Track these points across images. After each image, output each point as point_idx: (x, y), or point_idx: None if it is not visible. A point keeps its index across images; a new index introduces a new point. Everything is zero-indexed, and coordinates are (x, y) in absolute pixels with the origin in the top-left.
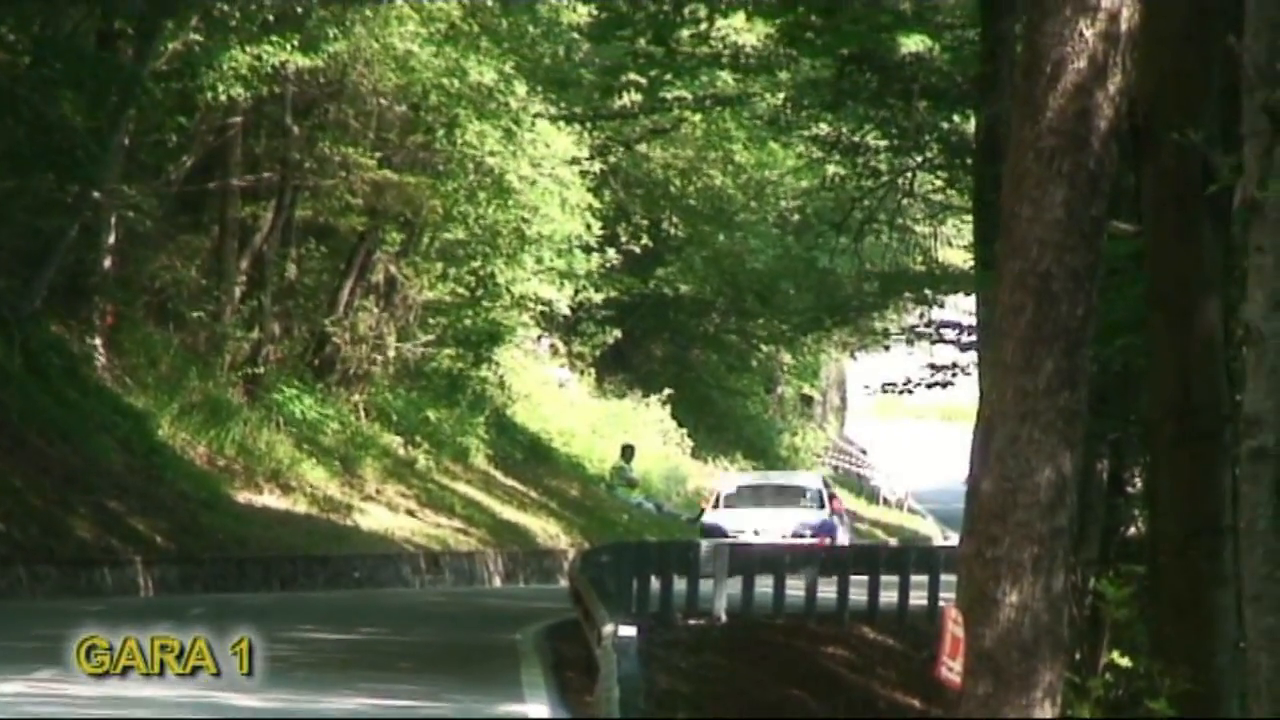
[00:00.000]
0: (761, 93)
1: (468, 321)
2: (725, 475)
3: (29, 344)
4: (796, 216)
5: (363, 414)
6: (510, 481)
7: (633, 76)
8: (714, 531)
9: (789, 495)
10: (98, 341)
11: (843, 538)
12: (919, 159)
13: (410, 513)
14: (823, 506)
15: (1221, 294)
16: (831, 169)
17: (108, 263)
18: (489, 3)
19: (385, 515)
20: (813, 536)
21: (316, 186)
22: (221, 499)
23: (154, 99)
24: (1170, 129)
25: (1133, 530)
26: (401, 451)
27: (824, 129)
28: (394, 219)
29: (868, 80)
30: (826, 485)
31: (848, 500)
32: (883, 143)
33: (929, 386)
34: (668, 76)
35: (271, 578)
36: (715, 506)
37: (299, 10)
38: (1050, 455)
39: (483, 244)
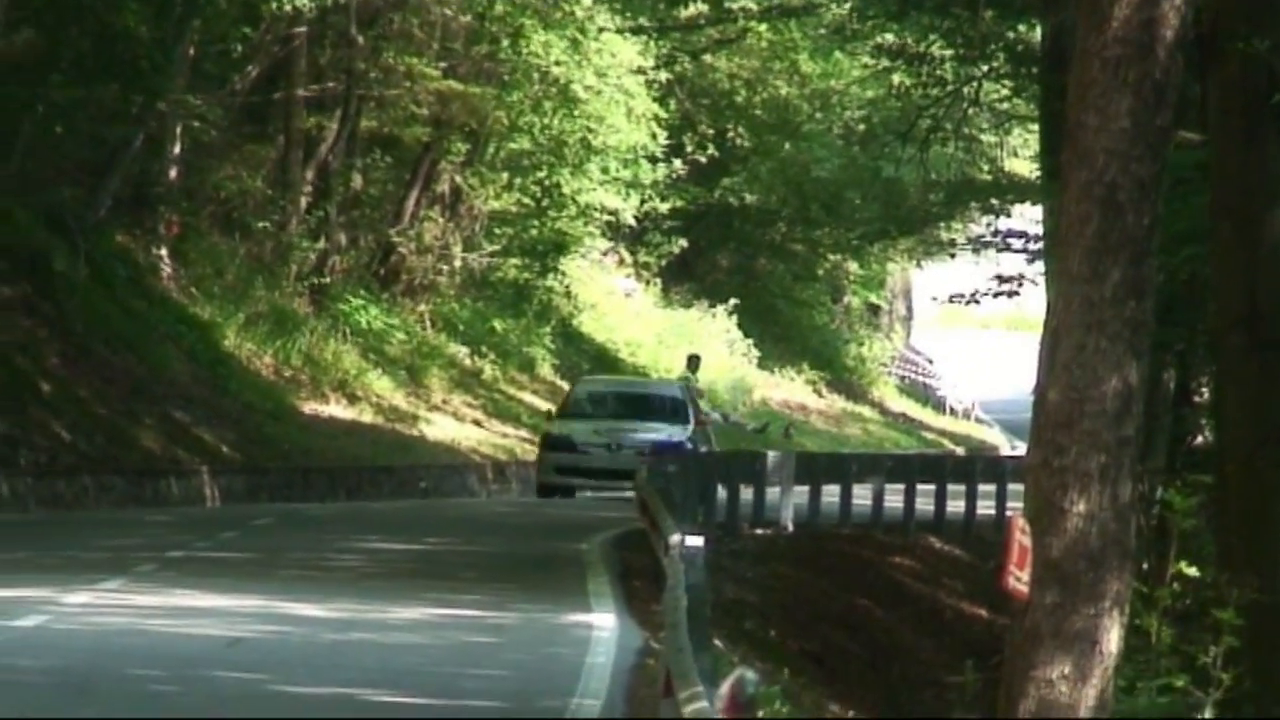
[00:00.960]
0: (827, 2)
1: (533, 232)
2: (580, 380)
3: (94, 254)
4: (862, 126)
5: (428, 324)
6: None
7: None
8: (559, 444)
9: (645, 407)
10: (163, 251)
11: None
12: (985, 68)
13: (476, 423)
14: (685, 422)
15: None
16: (897, 78)
17: (173, 173)
18: None
19: (451, 425)
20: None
21: (381, 97)
22: (287, 409)
23: (219, 9)
24: (1236, 38)
25: (1199, 440)
26: (467, 362)
27: (889, 38)
28: (459, 129)
29: None
30: (690, 396)
31: (914, 410)
32: (948, 52)
33: (995, 296)
34: None
35: (337, 488)
36: (561, 415)
37: None
38: (1117, 365)
39: (548, 154)
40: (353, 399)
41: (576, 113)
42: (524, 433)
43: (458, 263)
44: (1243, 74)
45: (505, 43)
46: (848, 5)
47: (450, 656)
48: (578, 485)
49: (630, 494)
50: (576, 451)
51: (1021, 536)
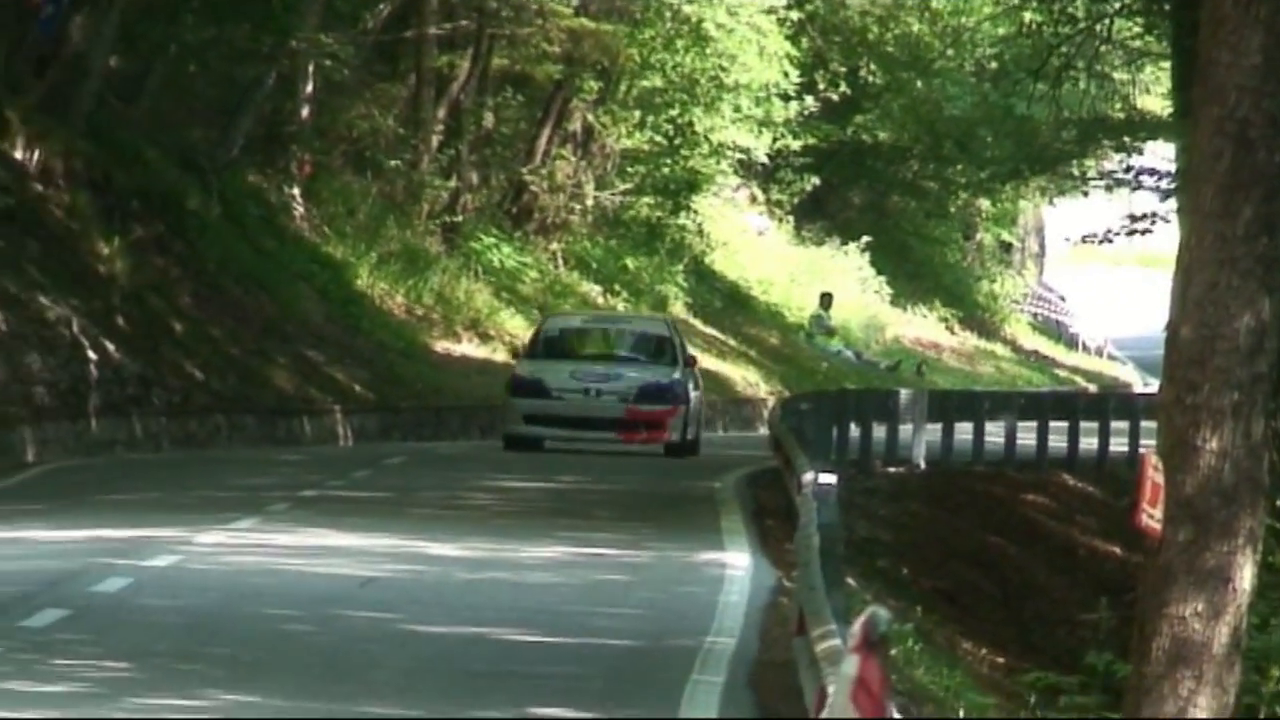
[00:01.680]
0: None
1: (666, 170)
2: (549, 315)
3: (227, 194)
4: (994, 64)
5: (561, 262)
6: (709, 330)
7: None
8: (528, 389)
9: (627, 345)
10: (295, 191)
11: (694, 405)
12: (1117, 5)
13: None
14: (674, 364)
15: None
16: (1029, 16)
17: (305, 112)
18: None
19: None
20: (656, 403)
21: (513, 35)
22: (419, 348)
23: None
24: None
25: None
26: (600, 300)
27: None
28: (591, 67)
29: None
30: (677, 333)
31: (1046, 347)
32: None
33: (1129, 235)
34: None
35: (470, 426)
36: (530, 355)
37: None
38: (1249, 301)
39: (680, 92)
40: (485, 338)
41: (708, 50)
42: None
43: (590, 201)
44: None
45: None
46: None
47: (583, 595)
48: (549, 437)
49: (609, 445)
50: (549, 397)
51: (1154, 474)
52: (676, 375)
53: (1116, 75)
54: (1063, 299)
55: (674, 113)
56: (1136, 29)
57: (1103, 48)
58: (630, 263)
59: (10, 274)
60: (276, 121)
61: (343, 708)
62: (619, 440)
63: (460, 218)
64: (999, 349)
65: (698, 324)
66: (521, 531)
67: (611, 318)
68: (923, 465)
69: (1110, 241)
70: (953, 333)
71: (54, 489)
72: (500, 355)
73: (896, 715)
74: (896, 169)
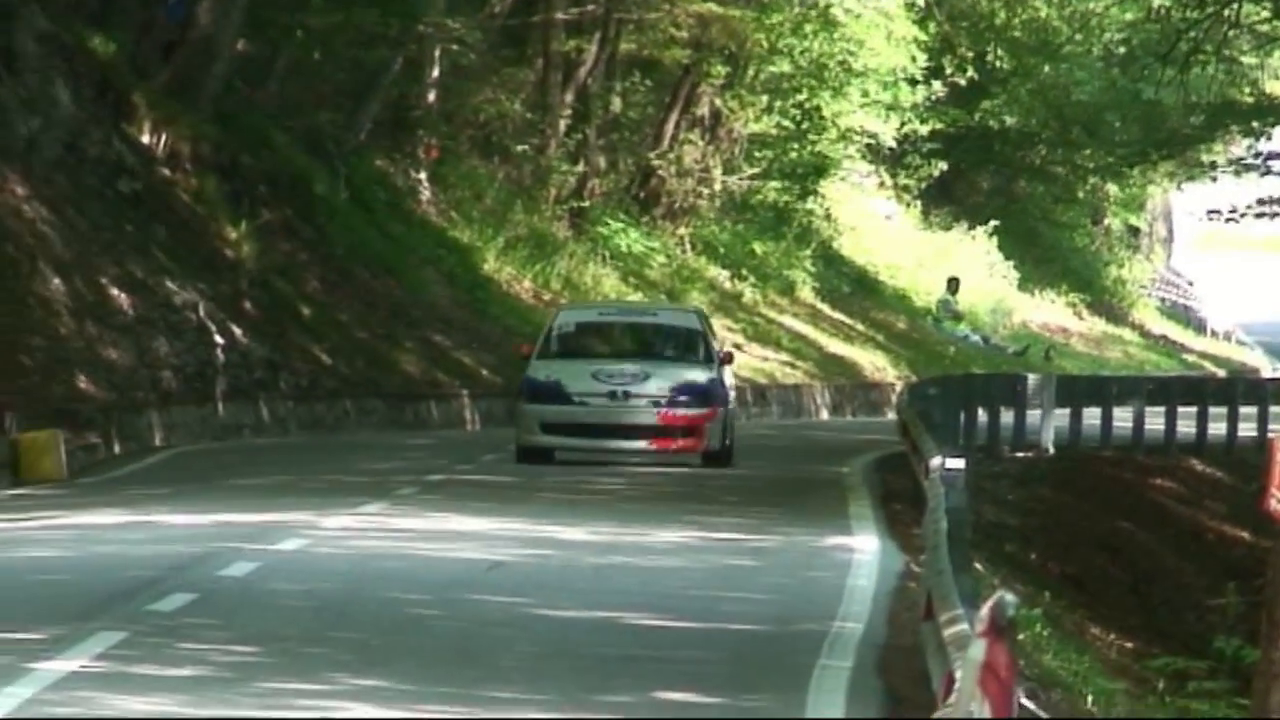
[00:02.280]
0: None
1: (793, 154)
2: (563, 307)
3: (354, 178)
4: (1121, 49)
5: (688, 247)
6: (836, 314)
7: None
8: (545, 393)
9: (654, 341)
10: (422, 175)
11: (731, 408)
12: None
13: (737, 346)
14: (709, 361)
15: None
16: (1157, 1)
17: (431, 96)
18: None
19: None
20: (692, 406)
21: (640, 20)
22: None
23: None
24: None
25: None
26: (728, 285)
27: None
28: (718, 52)
29: None
30: (708, 326)
31: (1175, 332)
32: None
33: (1256, 217)
34: None
35: None
36: (543, 354)
37: None
38: None
39: (808, 77)
40: None
41: (836, 35)
42: (783, 356)
43: (717, 186)
44: None
45: None
46: None
47: (711, 579)
48: (572, 447)
49: (640, 455)
50: (570, 402)
51: None
52: (712, 374)
53: (1245, 60)
54: (1190, 284)
55: (801, 97)
56: (1265, 13)
57: (1231, 32)
58: (758, 248)
59: (138, 258)
60: (403, 106)
61: (470, 692)
62: (651, 449)
63: (587, 202)
64: (1127, 334)
65: (825, 308)
66: (648, 516)
67: (633, 309)
68: (1051, 450)
69: (1237, 221)
70: (1080, 317)
71: (181, 473)
72: None
73: (1024, 701)
74: (1024, 154)
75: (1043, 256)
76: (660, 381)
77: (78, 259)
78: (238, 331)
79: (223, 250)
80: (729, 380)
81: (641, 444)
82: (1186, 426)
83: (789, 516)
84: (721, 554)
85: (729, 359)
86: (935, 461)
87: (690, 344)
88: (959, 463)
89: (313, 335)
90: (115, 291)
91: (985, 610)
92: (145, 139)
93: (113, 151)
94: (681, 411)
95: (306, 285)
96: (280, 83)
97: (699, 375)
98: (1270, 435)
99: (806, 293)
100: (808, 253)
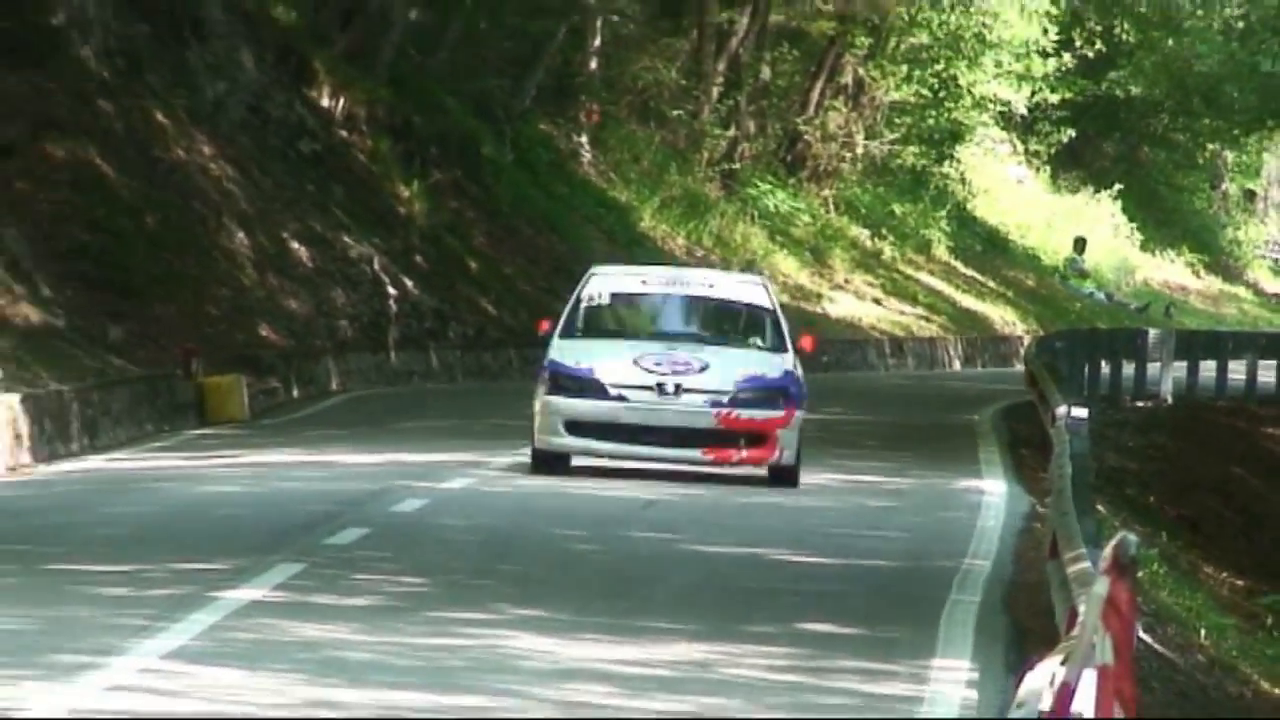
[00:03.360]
0: None
1: (931, 121)
2: (595, 271)
3: (519, 140)
4: (1240, 23)
5: (832, 208)
6: (969, 271)
7: None
8: (573, 383)
9: (717, 319)
10: (583, 138)
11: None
12: None
13: (876, 301)
14: (781, 345)
15: None
16: None
17: (593, 64)
18: None
19: (852, 303)
20: (762, 407)
21: None
22: None
23: None
24: None
25: None
26: (868, 243)
27: None
28: (862, 24)
29: None
30: (774, 300)
31: None
32: None
33: None
34: None
35: None
36: (569, 332)
37: None
38: None
39: (945, 48)
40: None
41: (973, 8)
42: (919, 310)
43: (859, 150)
44: None
45: None
46: None
47: (850, 519)
48: (605, 453)
49: (696, 466)
50: (605, 396)
51: None
52: (788, 364)
53: None
54: None
55: (939, 67)
56: None
57: None
58: (896, 208)
59: (317, 215)
60: (566, 73)
61: (623, 622)
62: (706, 460)
63: (738, 165)
64: (1242, 292)
65: (959, 266)
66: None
67: (684, 277)
68: (1169, 400)
69: None
70: (1199, 276)
71: (356, 416)
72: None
73: (1142, 634)
74: (1148, 122)
75: (1164, 219)
76: (722, 372)
77: (260, 215)
78: (409, 284)
79: (396, 208)
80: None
81: (694, 453)
82: None
83: (923, 460)
84: (860, 495)
85: (809, 343)
86: (1061, 410)
87: (758, 323)
88: (1083, 411)
89: (479, 288)
90: (295, 245)
91: (1108, 549)
92: (324, 102)
93: (294, 114)
94: (748, 413)
95: (474, 240)
96: (450, 50)
97: (771, 365)
98: None
99: (941, 251)
100: (943, 214)
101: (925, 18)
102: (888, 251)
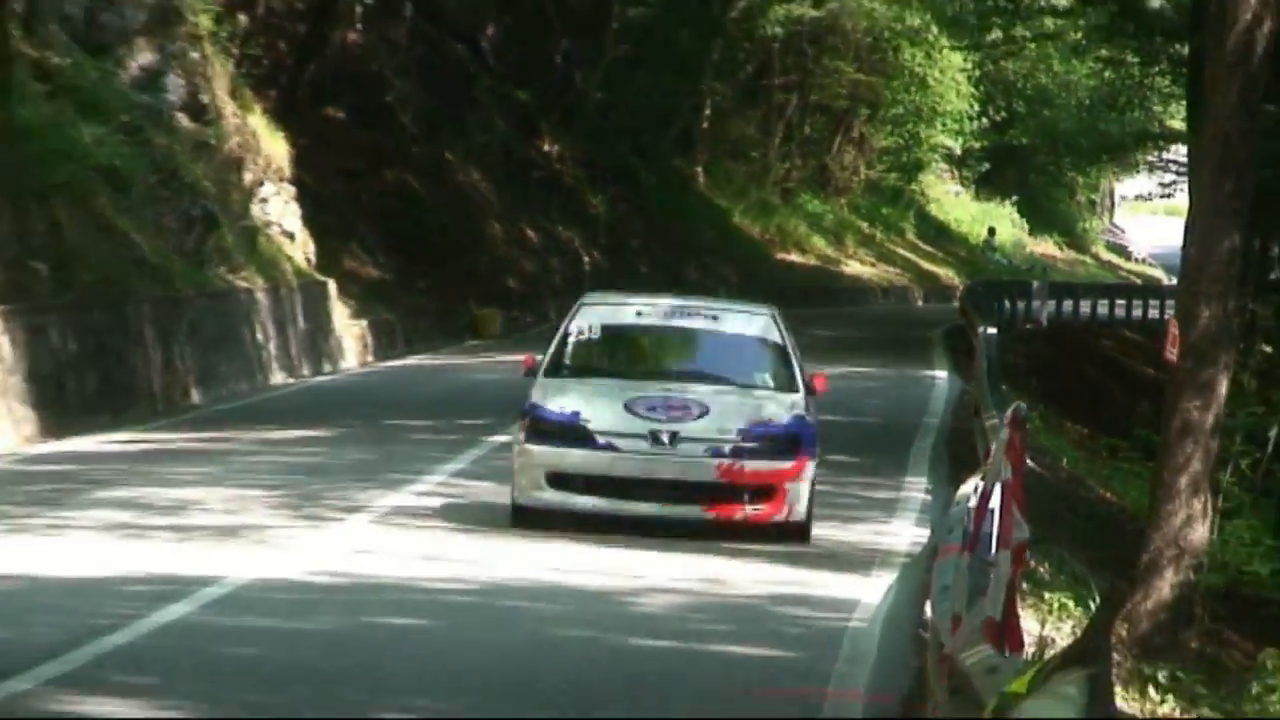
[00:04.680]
0: None
1: (904, 158)
2: (585, 301)
3: (661, 170)
4: (1088, 100)
5: (845, 210)
6: (927, 248)
7: None
8: (557, 430)
9: (717, 355)
10: (699, 169)
11: (810, 452)
12: (1154, 70)
13: (871, 264)
14: (792, 384)
15: None
16: (1108, 73)
17: (705, 124)
18: None
19: (858, 266)
20: (769, 456)
21: (821, 82)
22: (767, 258)
23: None
24: None
25: None
26: (866, 230)
27: None
28: (863, 100)
29: None
30: (785, 335)
31: (1114, 259)
32: None
33: (1160, 197)
34: None
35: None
36: (554, 370)
37: None
38: (1227, 234)
39: (913, 115)
40: (802, 250)
41: (929, 92)
42: (896, 269)
43: (862, 176)
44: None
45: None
46: None
47: (850, 396)
48: (590, 510)
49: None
50: (592, 445)
51: (1174, 330)
52: (798, 408)
53: (1156, 107)
54: (1123, 231)
55: (909, 126)
56: (1167, 85)
57: (1148, 91)
58: (883, 210)
59: (542, 215)
60: (689, 128)
61: None
62: (707, 518)
63: (790, 185)
64: (1088, 259)
65: (920, 243)
66: (821, 359)
67: (685, 308)
68: (1045, 324)
69: (1149, 199)
70: (1061, 250)
71: None
72: (812, 260)
73: (1029, 462)
74: (1033, 159)
75: (1042, 216)
76: (724, 417)
77: (509, 214)
78: (595, 255)
79: (588, 211)
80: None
81: (693, 510)
82: (1120, 312)
83: (898, 359)
84: (855, 380)
85: (817, 384)
86: (981, 330)
87: (767, 360)
88: (993, 330)
89: (640, 258)
90: (529, 232)
91: (1009, 412)
92: (546, 148)
93: (529, 154)
94: (753, 465)
95: (634, 231)
96: (620, 114)
97: (781, 408)
98: (1167, 317)
99: (911, 235)
100: (911, 214)
101: (900, 98)
102: (879, 235)
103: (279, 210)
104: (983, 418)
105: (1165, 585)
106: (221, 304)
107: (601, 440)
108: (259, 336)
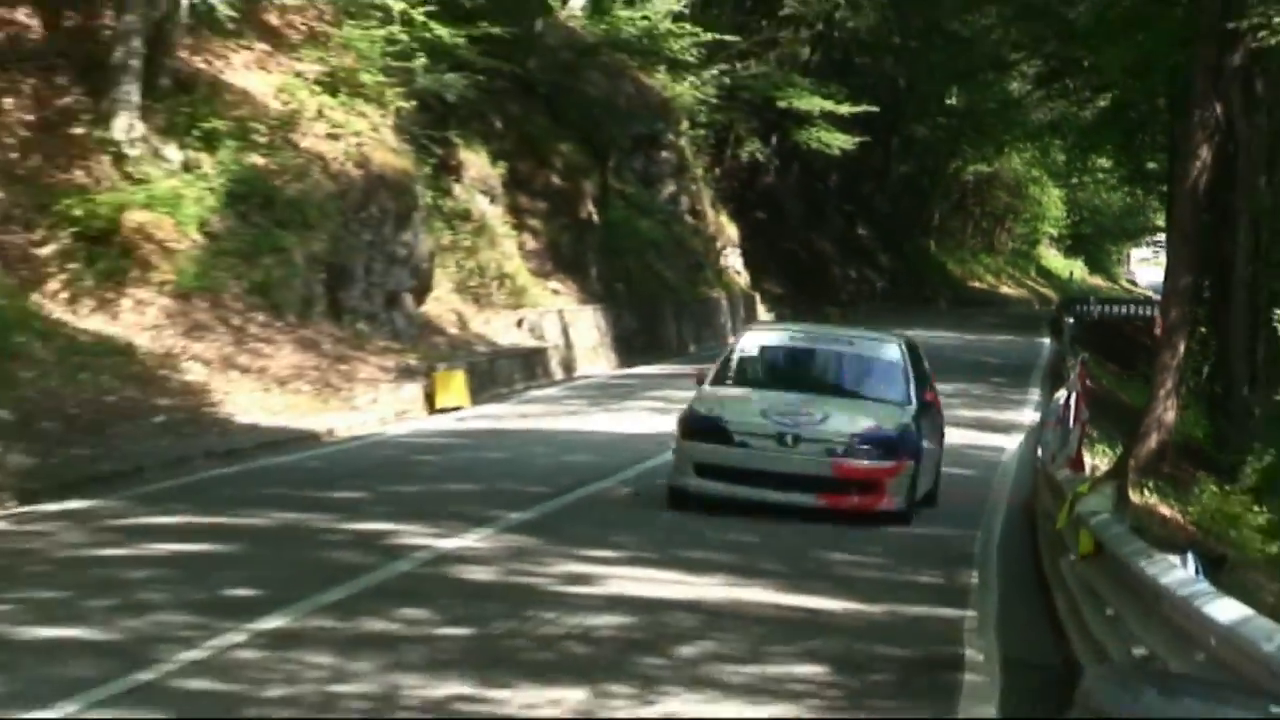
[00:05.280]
0: None
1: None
2: (750, 328)
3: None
4: (1063, 158)
5: (1001, 261)
6: (1040, 280)
7: None
8: (704, 429)
9: (846, 374)
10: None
11: (929, 458)
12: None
13: (1012, 288)
14: (906, 400)
15: None
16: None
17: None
18: None
19: (1006, 289)
20: (875, 457)
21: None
22: (963, 285)
23: None
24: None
25: None
26: (1010, 271)
27: None
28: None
29: None
30: (914, 358)
31: (1135, 286)
32: None
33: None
34: None
35: (981, 304)
36: (718, 379)
37: None
38: (1190, 269)
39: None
40: (980, 281)
41: None
42: (1022, 290)
43: (1009, 245)
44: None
45: None
46: None
47: (979, 349)
48: (726, 496)
49: (813, 504)
50: (729, 443)
51: (1159, 320)
52: (907, 419)
53: (1153, 213)
54: (1135, 273)
55: (1033, 223)
56: (1156, 204)
57: (1149, 207)
58: (1019, 261)
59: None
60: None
61: None
62: (820, 505)
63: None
64: (1117, 287)
65: (1038, 279)
66: (975, 331)
67: (828, 335)
68: (1096, 317)
69: (1149, 260)
70: (1104, 281)
71: None
72: None
73: (1088, 383)
74: (1095, 239)
75: (1096, 265)
76: (840, 423)
77: (839, 261)
78: (879, 284)
79: (878, 264)
80: (933, 424)
81: (808, 498)
82: (1133, 312)
83: (1024, 332)
84: (1005, 342)
85: (933, 398)
86: (1065, 320)
87: (887, 379)
88: (1071, 320)
89: (904, 287)
90: (851, 272)
91: (1079, 359)
92: (859, 231)
93: (853, 235)
94: (861, 463)
95: (901, 273)
96: (890, 218)
97: (889, 419)
98: (1156, 314)
99: (1031, 274)
100: (1031, 265)
101: (1029, 209)
102: (1016, 274)
103: (733, 260)
104: (1066, 362)
105: (1152, 441)
106: (705, 305)
107: (738, 439)
108: (723, 320)
